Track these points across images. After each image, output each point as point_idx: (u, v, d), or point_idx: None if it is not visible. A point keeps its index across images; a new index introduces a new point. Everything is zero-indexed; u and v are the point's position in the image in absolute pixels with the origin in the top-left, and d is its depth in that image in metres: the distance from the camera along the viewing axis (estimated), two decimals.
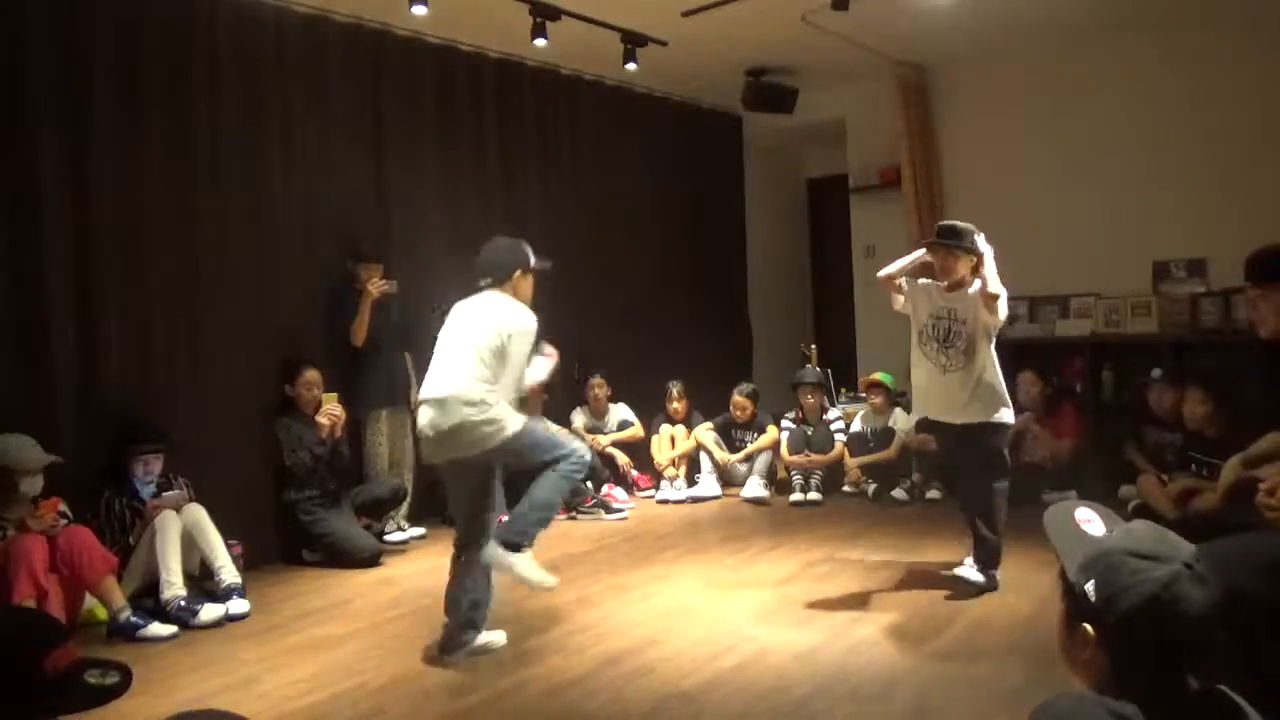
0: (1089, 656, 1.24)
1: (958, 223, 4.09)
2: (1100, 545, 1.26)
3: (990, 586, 3.98)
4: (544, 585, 3.47)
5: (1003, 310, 3.91)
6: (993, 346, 3.99)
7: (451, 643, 3.44)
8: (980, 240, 4.00)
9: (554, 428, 3.61)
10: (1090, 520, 1.33)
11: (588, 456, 3.56)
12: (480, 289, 3.54)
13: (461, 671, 3.32)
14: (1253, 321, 2.84)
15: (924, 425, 6.11)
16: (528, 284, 3.58)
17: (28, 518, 3.71)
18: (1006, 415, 4.00)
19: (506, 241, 3.64)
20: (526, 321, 3.45)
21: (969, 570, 4.04)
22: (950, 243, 3.99)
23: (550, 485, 3.42)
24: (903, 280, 4.16)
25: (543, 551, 4.96)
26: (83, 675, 2.21)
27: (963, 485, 4.28)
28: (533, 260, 3.59)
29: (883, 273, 4.20)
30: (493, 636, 3.54)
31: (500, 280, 3.52)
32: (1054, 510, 1.40)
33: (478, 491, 3.48)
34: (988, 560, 4.02)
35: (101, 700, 2.36)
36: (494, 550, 3.35)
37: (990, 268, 3.92)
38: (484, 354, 3.35)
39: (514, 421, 3.34)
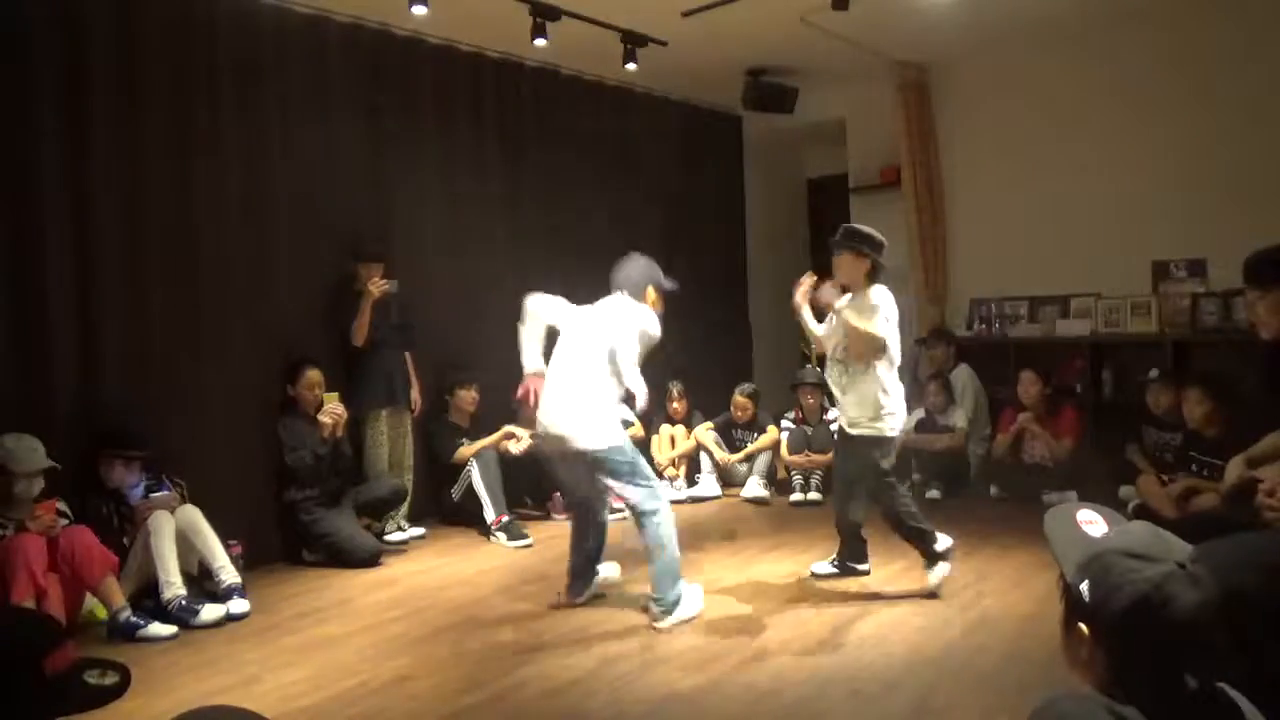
0: (1087, 656, 1.24)
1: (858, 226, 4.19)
2: (1095, 546, 1.26)
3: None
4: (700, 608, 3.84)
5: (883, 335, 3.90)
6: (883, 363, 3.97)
7: (578, 584, 4.01)
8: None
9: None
10: (1093, 521, 1.32)
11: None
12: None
13: (461, 671, 3.33)
14: (1253, 324, 2.84)
15: (923, 425, 6.13)
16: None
17: (26, 518, 3.71)
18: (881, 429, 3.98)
19: (642, 260, 4.14)
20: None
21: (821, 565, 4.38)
22: (846, 244, 4.06)
23: (653, 534, 3.78)
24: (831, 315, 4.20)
25: (542, 551, 5.00)
26: (82, 676, 2.22)
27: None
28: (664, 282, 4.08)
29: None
30: (608, 570, 4.20)
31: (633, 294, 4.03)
32: (1054, 512, 1.40)
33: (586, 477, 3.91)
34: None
35: (101, 701, 2.38)
36: (661, 623, 3.71)
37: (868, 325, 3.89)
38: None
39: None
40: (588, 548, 4.06)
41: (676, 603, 3.73)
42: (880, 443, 4.01)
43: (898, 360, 4.01)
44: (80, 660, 2.34)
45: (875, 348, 3.90)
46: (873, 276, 4.02)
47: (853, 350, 3.99)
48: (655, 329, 3.93)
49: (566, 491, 4.08)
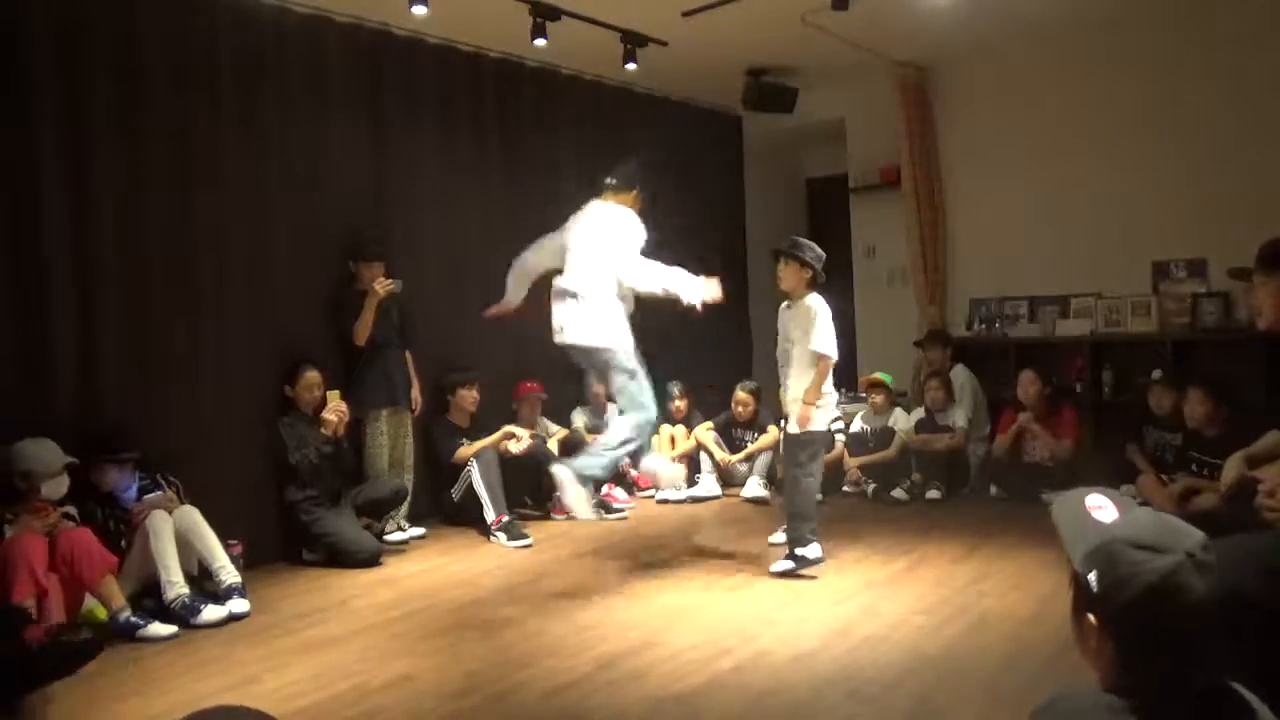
0: (1095, 646, 1.22)
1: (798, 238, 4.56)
2: (1103, 534, 1.23)
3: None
4: (581, 514, 4.27)
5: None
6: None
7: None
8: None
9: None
10: (1102, 507, 1.28)
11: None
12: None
13: (461, 671, 3.33)
14: (1252, 311, 2.83)
15: (923, 425, 6.14)
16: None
17: (32, 518, 3.70)
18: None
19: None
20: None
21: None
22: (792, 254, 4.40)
23: (623, 427, 4.23)
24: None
25: (543, 551, 5.01)
26: (59, 639, 2.57)
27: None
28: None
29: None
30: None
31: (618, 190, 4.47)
32: (1064, 498, 1.37)
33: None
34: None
35: (82, 655, 2.73)
36: (562, 471, 4.17)
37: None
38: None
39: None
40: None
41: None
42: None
43: (834, 358, 4.35)
44: (53, 629, 2.71)
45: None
46: (811, 286, 4.41)
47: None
48: (639, 229, 4.34)
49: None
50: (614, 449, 4.27)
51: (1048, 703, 1.23)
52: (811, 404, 4.25)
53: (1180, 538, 1.19)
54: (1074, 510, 1.30)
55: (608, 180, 4.51)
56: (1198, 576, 1.15)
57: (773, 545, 4.77)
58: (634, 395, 4.27)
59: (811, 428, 4.30)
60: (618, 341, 4.26)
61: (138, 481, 4.24)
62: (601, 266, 4.28)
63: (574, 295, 4.29)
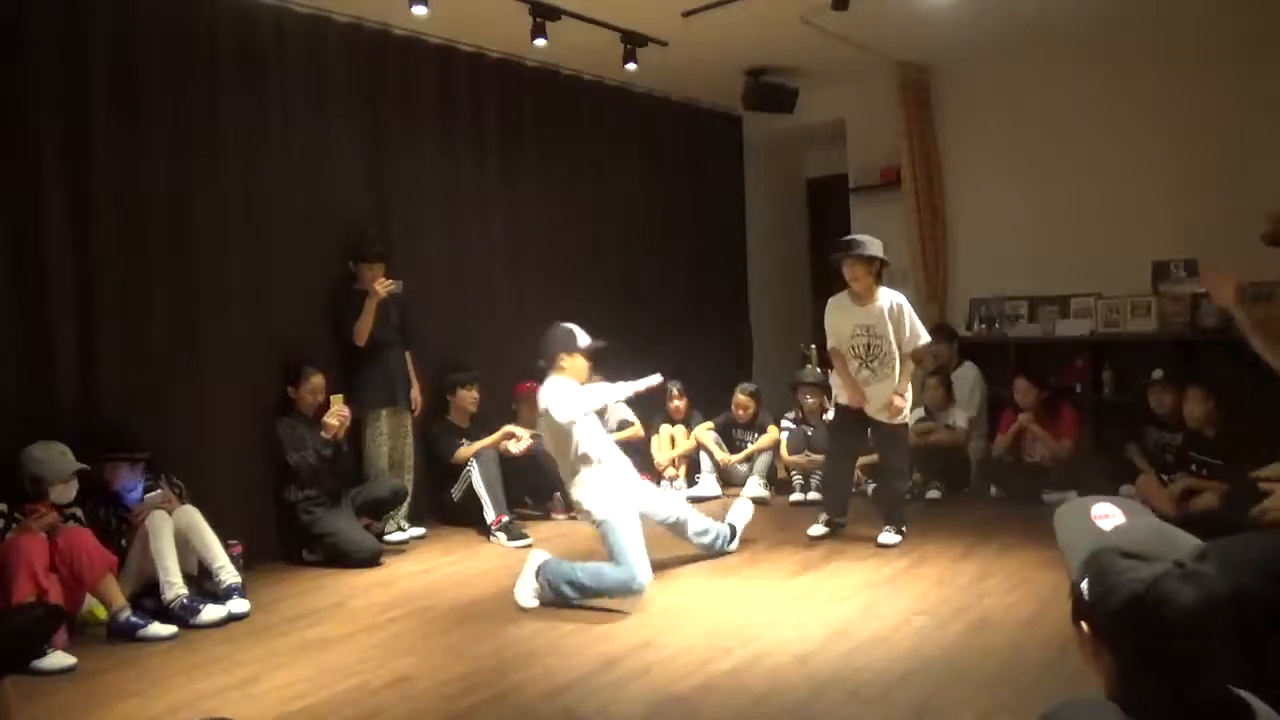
0: (1092, 653, 1.22)
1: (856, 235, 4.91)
2: (1097, 542, 1.22)
3: None
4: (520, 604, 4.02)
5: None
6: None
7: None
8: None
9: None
10: (1108, 516, 1.27)
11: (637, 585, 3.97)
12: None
13: (461, 671, 3.32)
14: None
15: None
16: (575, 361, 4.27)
17: (30, 518, 3.70)
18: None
19: (552, 331, 4.32)
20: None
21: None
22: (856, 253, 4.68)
23: (605, 577, 3.97)
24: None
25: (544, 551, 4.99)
26: (13, 616, 2.59)
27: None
28: (578, 343, 4.27)
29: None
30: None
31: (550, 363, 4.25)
32: (1069, 506, 1.35)
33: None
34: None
35: (42, 626, 2.77)
36: (538, 557, 4.12)
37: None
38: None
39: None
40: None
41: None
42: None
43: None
44: (7, 610, 2.72)
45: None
46: (880, 281, 4.78)
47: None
48: (569, 391, 4.18)
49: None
50: (587, 586, 3.95)
51: (1058, 706, 1.23)
52: (903, 394, 4.72)
53: (1172, 547, 1.17)
54: (1076, 518, 1.29)
55: (539, 364, 4.35)
56: (1184, 585, 1.12)
57: (812, 538, 5.01)
58: (620, 557, 4.01)
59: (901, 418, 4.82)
60: (596, 509, 4.13)
61: (144, 482, 4.24)
62: (561, 445, 4.22)
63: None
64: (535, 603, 4.00)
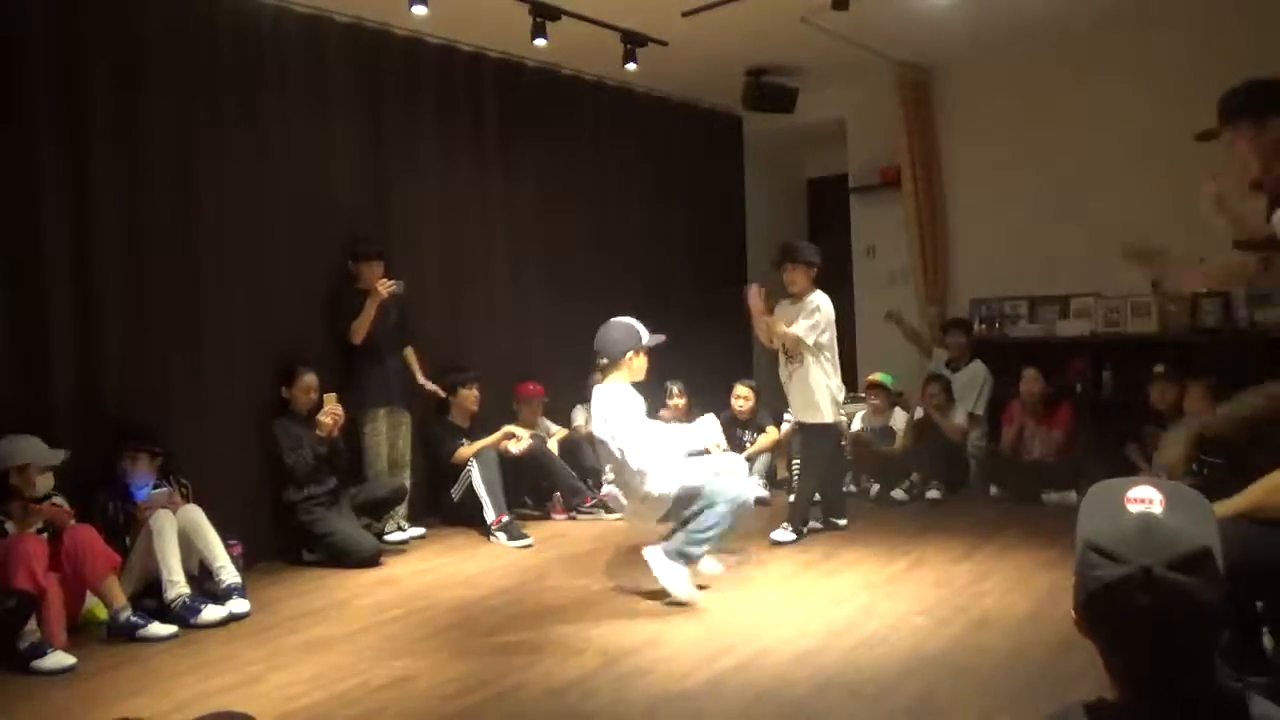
0: (1087, 639, 1.23)
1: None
2: (1085, 534, 1.21)
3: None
4: (688, 598, 3.91)
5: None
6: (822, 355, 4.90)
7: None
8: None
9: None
10: (1145, 500, 1.20)
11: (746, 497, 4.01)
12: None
13: (461, 671, 3.33)
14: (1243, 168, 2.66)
15: (923, 425, 6.15)
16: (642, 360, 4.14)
17: (24, 516, 3.70)
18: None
19: (615, 325, 4.16)
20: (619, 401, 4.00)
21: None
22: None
23: (716, 516, 3.89)
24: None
25: (543, 551, 5.00)
26: None
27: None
28: (644, 340, 4.13)
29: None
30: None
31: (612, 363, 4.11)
32: (1104, 484, 1.29)
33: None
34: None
35: (9, 621, 3.05)
36: (654, 555, 3.91)
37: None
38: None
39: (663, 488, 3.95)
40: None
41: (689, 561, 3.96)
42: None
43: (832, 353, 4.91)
44: None
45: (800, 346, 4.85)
46: (816, 284, 4.96)
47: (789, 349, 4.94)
48: (634, 400, 4.07)
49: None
50: (707, 531, 3.92)
51: (1060, 713, 1.23)
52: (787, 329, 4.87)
53: (1148, 550, 1.14)
54: (1107, 500, 1.24)
55: (598, 361, 4.20)
56: (1141, 592, 1.11)
57: (775, 543, 4.91)
58: (715, 495, 3.96)
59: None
60: (658, 489, 3.97)
61: (154, 479, 4.25)
62: (619, 457, 4.01)
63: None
64: (694, 588, 3.94)
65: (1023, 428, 5.85)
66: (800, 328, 4.83)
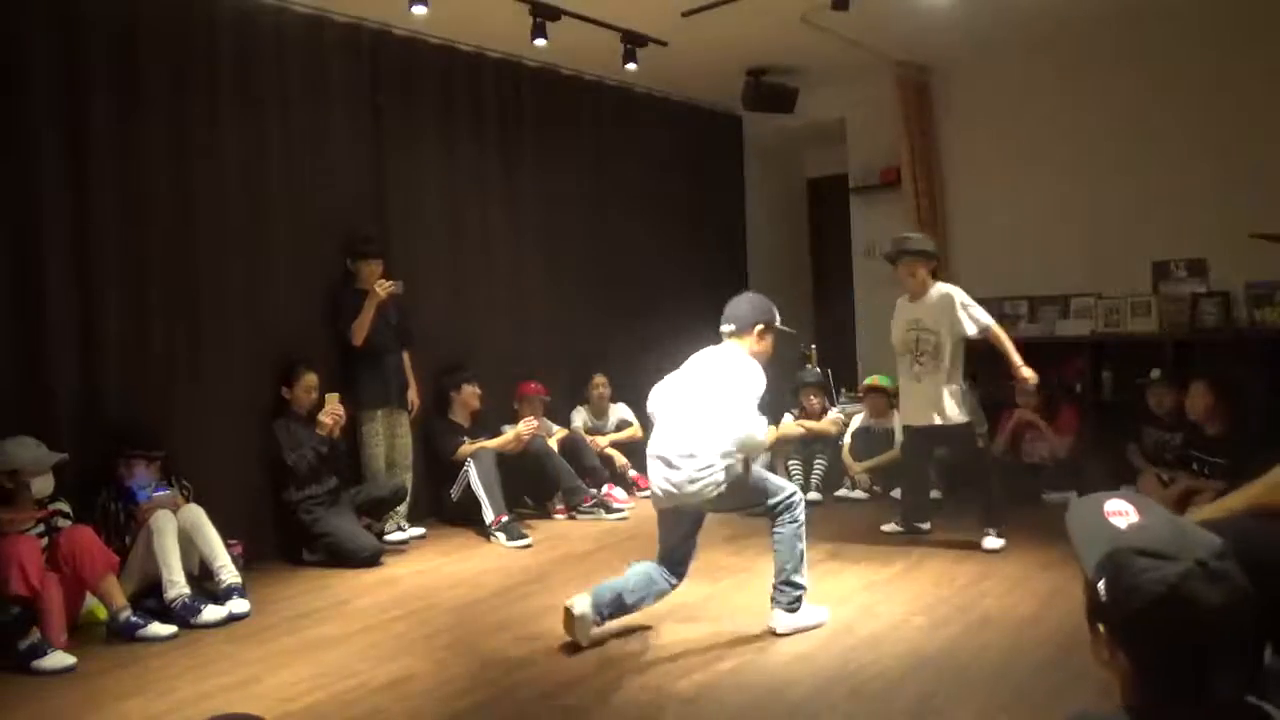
0: (1108, 657, 1.17)
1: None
2: (1114, 541, 1.18)
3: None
4: (824, 621, 3.66)
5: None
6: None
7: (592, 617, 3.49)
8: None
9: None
10: (1122, 512, 1.22)
11: (800, 499, 3.72)
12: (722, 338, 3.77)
13: (461, 671, 3.32)
14: None
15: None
16: (767, 342, 3.77)
17: (17, 521, 3.69)
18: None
19: (753, 296, 3.89)
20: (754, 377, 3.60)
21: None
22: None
23: (786, 543, 3.60)
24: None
25: (543, 551, 5.00)
26: None
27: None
28: (776, 320, 3.81)
29: None
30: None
31: (741, 331, 3.74)
32: (1081, 503, 1.31)
33: (690, 529, 3.66)
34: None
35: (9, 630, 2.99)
36: (780, 622, 3.56)
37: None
38: (714, 411, 3.51)
39: (731, 475, 3.51)
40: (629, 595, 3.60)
41: (796, 606, 3.62)
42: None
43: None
44: None
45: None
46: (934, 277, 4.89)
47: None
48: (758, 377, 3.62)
49: (661, 541, 3.70)
50: (793, 553, 3.60)
51: (1072, 716, 1.20)
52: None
53: (1192, 545, 1.13)
54: (1090, 515, 1.24)
55: (723, 329, 3.79)
56: (1208, 585, 1.09)
57: (885, 532, 5.07)
58: (766, 492, 3.67)
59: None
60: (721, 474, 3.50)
61: (155, 481, 4.24)
62: (710, 426, 3.49)
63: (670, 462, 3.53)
64: (820, 607, 3.69)
65: (1022, 429, 5.84)
66: (968, 326, 4.66)
